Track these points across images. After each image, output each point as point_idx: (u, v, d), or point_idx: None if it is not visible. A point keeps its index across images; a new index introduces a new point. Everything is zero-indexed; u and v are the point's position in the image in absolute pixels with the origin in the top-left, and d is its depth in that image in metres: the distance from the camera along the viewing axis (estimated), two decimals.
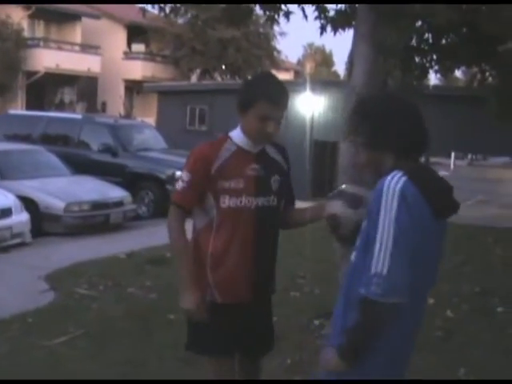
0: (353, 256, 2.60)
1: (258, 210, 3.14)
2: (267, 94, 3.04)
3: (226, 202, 3.10)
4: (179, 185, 3.15)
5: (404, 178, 2.42)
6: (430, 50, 9.88)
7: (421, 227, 2.42)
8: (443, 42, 9.93)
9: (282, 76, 35.40)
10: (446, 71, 10.57)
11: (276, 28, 31.21)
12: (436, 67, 10.34)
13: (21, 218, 9.89)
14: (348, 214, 2.85)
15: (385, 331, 2.42)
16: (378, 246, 2.37)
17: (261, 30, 33.47)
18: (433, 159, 17.28)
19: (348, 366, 2.44)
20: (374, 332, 2.41)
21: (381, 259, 2.35)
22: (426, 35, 9.68)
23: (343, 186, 3.02)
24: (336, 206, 2.90)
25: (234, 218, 3.11)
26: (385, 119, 2.55)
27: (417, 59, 9.90)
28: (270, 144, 3.26)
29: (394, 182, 2.41)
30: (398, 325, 2.45)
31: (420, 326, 2.64)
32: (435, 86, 16.78)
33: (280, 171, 3.26)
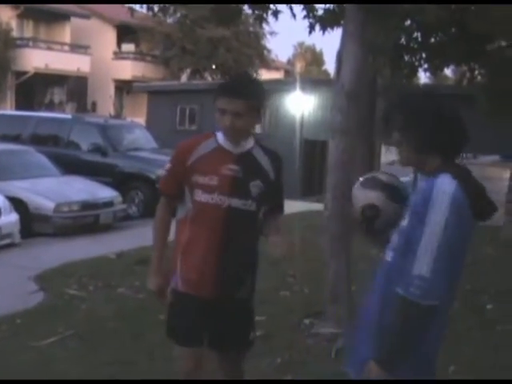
0: (389, 256, 2.55)
1: (231, 210, 3.16)
2: (222, 88, 3.16)
3: (199, 196, 3.18)
4: (162, 173, 3.36)
5: (455, 182, 2.39)
6: (419, 48, 9.91)
7: (466, 231, 2.42)
8: (432, 40, 9.97)
9: (273, 75, 35.42)
10: (435, 70, 10.61)
11: (266, 27, 31.24)
12: (425, 66, 10.38)
13: (10, 218, 9.84)
14: (390, 207, 2.67)
15: (421, 333, 2.39)
16: (422, 247, 2.35)
17: (251, 29, 33.47)
18: None
19: (388, 371, 2.41)
20: (411, 333, 2.38)
21: (425, 261, 2.34)
22: (415, 34, 9.71)
23: (376, 174, 2.84)
24: (376, 197, 2.69)
25: (204, 214, 3.18)
26: (437, 122, 2.48)
27: (406, 58, 9.93)
28: (261, 149, 3.28)
29: (446, 186, 2.38)
30: (433, 326, 2.43)
31: (447, 326, 2.60)
32: (425, 85, 16.82)
33: (264, 178, 3.23)
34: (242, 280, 3.27)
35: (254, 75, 32.69)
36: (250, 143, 3.26)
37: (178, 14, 31.30)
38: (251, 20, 26.95)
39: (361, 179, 2.81)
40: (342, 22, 6.30)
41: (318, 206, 11.11)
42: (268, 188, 3.24)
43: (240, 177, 3.17)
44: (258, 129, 20.61)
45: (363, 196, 2.73)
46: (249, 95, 3.13)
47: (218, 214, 3.15)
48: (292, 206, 13.05)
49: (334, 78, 6.08)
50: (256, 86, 3.23)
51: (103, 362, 4.98)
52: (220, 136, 3.22)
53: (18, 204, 10.35)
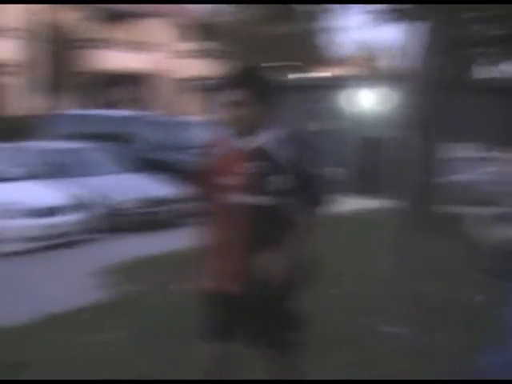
0: None
1: (249, 207, 3.14)
2: (222, 82, 3.20)
3: (219, 196, 3.21)
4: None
5: None
6: (502, 41, 9.64)
7: None
8: None
9: (334, 71, 35.13)
10: None
11: (329, 22, 31.01)
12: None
13: (81, 214, 10.05)
14: None
15: None
16: None
17: (314, 24, 33.22)
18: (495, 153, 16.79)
19: None
20: None
21: None
22: (498, 26, 9.43)
23: (498, 209, 2.61)
24: None
25: (225, 213, 3.20)
26: None
27: (488, 51, 9.67)
28: (281, 142, 3.19)
29: None
30: None
31: None
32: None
33: (283, 171, 3.15)
34: (268, 277, 3.18)
35: (315, 71, 32.55)
36: (264, 137, 3.20)
37: (244, 11, 31.36)
38: (315, 15, 26.87)
39: (485, 218, 2.59)
40: (419, 16, 6.18)
41: (378, 204, 11.00)
42: (289, 181, 3.15)
43: (255, 173, 3.14)
44: (315, 125, 20.44)
45: (506, 232, 2.54)
46: (246, 84, 3.11)
47: (237, 213, 3.15)
48: (351, 204, 12.90)
49: (405, 74, 5.99)
50: (254, 75, 3.20)
51: (166, 357, 5.01)
52: (236, 134, 3.21)
53: (89, 200, 10.52)
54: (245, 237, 3.15)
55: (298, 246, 3.23)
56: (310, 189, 3.22)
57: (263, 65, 31.01)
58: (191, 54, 35.21)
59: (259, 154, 3.16)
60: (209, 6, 30.58)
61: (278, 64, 32.63)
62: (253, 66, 3.48)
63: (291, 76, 27.38)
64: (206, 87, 23.96)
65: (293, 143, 3.20)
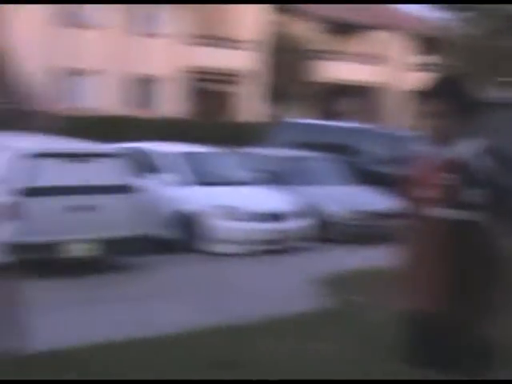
0: None
1: (443, 221, 3.01)
2: (424, 92, 3.19)
3: (417, 209, 3.13)
4: None
5: None
6: None
7: None
8: None
9: None
10: None
11: None
12: None
13: (302, 222, 10.25)
14: None
15: None
16: None
17: None
18: None
19: None
20: None
21: None
22: None
23: None
24: None
25: (421, 227, 3.10)
26: None
27: None
28: (476, 155, 3.07)
29: None
30: None
31: None
32: None
33: (480, 183, 3.01)
34: (464, 296, 3.05)
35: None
36: (462, 149, 3.08)
37: (470, 25, 30.26)
38: None
39: None
40: None
41: None
42: (487, 196, 3.01)
43: (453, 185, 3.01)
44: None
45: None
46: (446, 95, 3.06)
47: (431, 226, 3.04)
48: None
49: None
50: (455, 87, 3.14)
51: (380, 371, 4.89)
52: (434, 144, 3.15)
53: (309, 209, 10.69)
54: (441, 253, 3.06)
55: (497, 266, 3.10)
56: (506, 205, 3.10)
57: (482, 78, 29.81)
58: (418, 68, 34.68)
59: (456, 165, 3.08)
60: (436, 20, 30.03)
61: (500, 79, 30.98)
62: (454, 76, 3.43)
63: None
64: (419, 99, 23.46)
65: (492, 157, 3.10)
